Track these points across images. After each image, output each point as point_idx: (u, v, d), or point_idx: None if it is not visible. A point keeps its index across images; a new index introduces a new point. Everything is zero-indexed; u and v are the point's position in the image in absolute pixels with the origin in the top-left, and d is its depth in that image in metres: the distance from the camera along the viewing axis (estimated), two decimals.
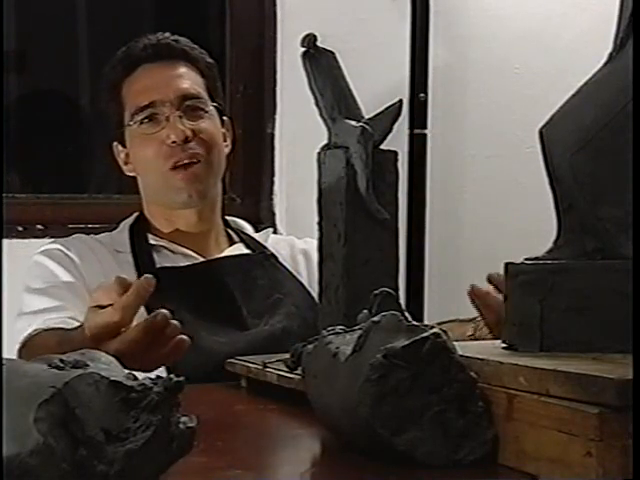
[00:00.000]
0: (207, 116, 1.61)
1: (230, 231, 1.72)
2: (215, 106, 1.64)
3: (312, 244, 1.67)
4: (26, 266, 1.59)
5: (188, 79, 1.61)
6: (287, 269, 1.66)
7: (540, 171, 0.97)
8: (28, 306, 1.50)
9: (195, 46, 1.67)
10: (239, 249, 1.68)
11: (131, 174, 1.66)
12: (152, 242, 1.62)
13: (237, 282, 1.58)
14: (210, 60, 1.68)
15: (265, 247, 1.69)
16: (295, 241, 1.77)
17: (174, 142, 1.55)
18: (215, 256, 1.64)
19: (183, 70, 1.62)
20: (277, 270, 1.65)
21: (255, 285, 1.59)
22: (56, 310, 1.46)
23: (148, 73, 1.60)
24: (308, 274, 1.67)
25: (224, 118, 1.68)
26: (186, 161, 1.56)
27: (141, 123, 1.58)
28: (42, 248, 1.60)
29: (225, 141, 1.67)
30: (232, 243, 1.70)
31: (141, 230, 1.64)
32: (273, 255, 1.67)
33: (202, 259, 1.62)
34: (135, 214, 1.68)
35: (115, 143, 1.66)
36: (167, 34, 1.65)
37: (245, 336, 1.51)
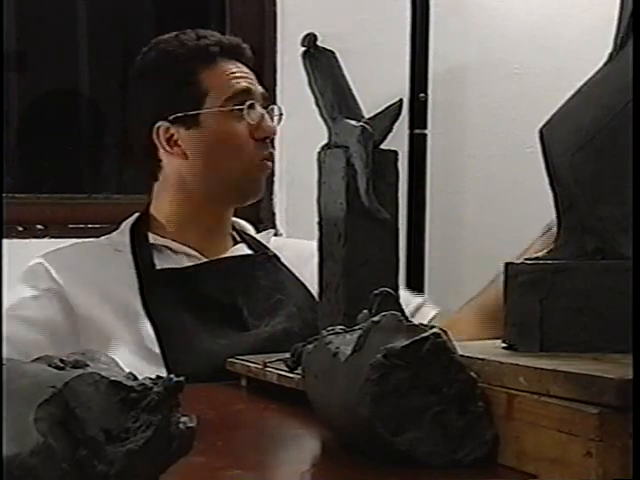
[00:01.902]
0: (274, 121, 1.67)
1: (233, 232, 1.72)
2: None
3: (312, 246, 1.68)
4: (26, 266, 1.59)
5: (258, 81, 1.67)
6: (289, 270, 1.66)
7: (540, 171, 0.97)
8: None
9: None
10: (241, 249, 1.68)
11: (173, 157, 1.62)
12: (153, 241, 1.61)
13: (238, 283, 1.58)
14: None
15: (267, 248, 1.69)
16: (304, 244, 1.76)
17: (266, 137, 1.61)
18: (217, 256, 1.64)
19: (253, 74, 1.66)
20: (279, 271, 1.65)
21: (256, 286, 1.58)
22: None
23: (231, 67, 1.63)
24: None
25: None
26: (268, 158, 1.62)
27: (235, 110, 1.59)
28: (30, 262, 1.59)
29: None
30: (235, 243, 1.70)
31: (142, 229, 1.63)
32: (275, 256, 1.67)
33: (205, 259, 1.62)
34: (136, 214, 1.67)
35: (161, 123, 1.61)
36: (231, 35, 1.70)
37: (245, 337, 1.51)
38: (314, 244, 1.72)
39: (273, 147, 1.65)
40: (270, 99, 1.72)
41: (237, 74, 1.62)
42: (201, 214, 1.63)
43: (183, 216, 1.63)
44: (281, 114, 1.68)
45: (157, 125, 1.61)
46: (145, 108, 1.65)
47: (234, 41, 1.67)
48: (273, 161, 1.65)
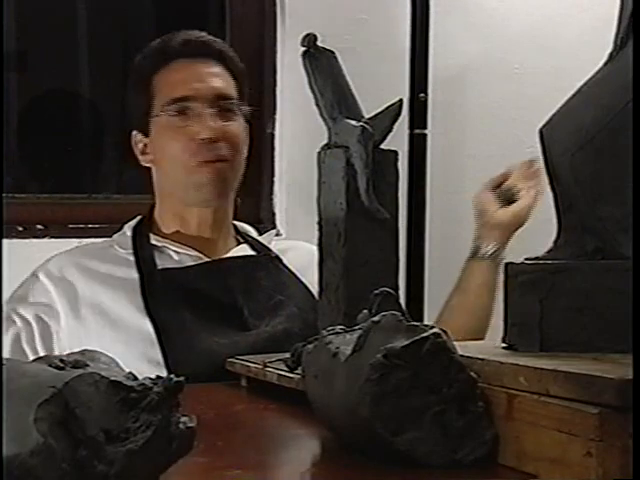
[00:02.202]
0: (237, 119, 1.62)
1: (237, 236, 1.71)
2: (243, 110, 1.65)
3: (310, 248, 1.67)
4: (26, 266, 1.59)
5: (223, 79, 1.62)
6: (291, 271, 1.66)
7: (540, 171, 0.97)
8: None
9: (231, 49, 1.68)
10: (243, 250, 1.68)
11: (147, 165, 1.65)
12: (155, 242, 1.61)
13: (239, 283, 1.57)
14: (242, 65, 1.68)
15: (269, 249, 1.69)
16: (306, 247, 1.76)
17: (203, 139, 1.56)
18: (219, 257, 1.64)
19: (218, 70, 1.62)
20: (280, 272, 1.65)
21: (257, 286, 1.58)
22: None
23: (184, 67, 1.60)
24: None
25: (247, 125, 1.69)
26: (212, 159, 1.57)
27: (172, 115, 1.58)
28: (39, 265, 1.59)
29: (245, 148, 1.68)
30: (237, 244, 1.70)
31: (144, 231, 1.63)
32: (277, 257, 1.67)
33: (206, 259, 1.62)
34: (138, 217, 1.68)
35: (135, 132, 1.65)
36: (203, 33, 1.66)
37: (246, 337, 1.51)
38: (314, 248, 1.73)
39: (229, 147, 1.58)
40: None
41: (182, 77, 1.59)
42: (185, 216, 1.63)
43: (174, 218, 1.64)
44: (236, 113, 1.61)
45: (132, 134, 1.66)
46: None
47: (203, 39, 1.63)
48: (225, 160, 1.58)
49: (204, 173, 1.57)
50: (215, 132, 1.56)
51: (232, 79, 1.63)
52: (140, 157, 1.66)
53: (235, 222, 1.72)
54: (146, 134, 1.63)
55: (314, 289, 1.63)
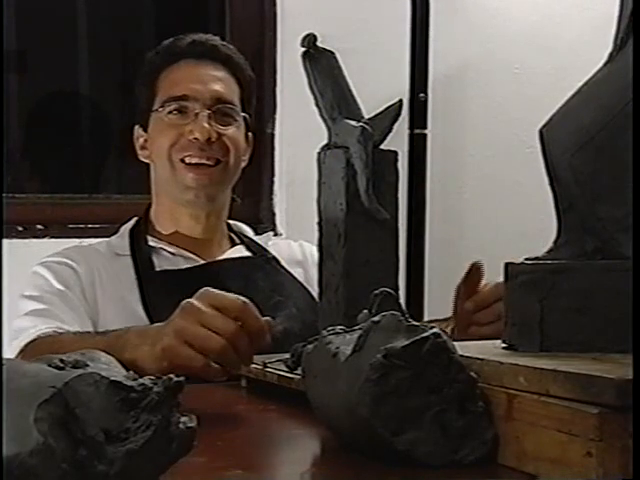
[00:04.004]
0: (235, 124, 1.62)
1: (232, 234, 1.72)
2: (244, 117, 1.64)
3: (310, 249, 1.68)
4: (26, 266, 1.59)
5: (226, 84, 1.62)
6: (288, 271, 1.66)
7: (540, 171, 0.97)
8: (21, 310, 1.50)
9: (241, 56, 1.68)
10: (240, 251, 1.68)
11: (145, 160, 1.67)
12: (152, 244, 1.61)
13: (237, 284, 1.57)
14: (251, 74, 1.69)
15: (266, 250, 1.69)
16: (292, 245, 1.77)
17: (196, 139, 1.56)
18: (214, 258, 1.64)
19: (223, 74, 1.63)
20: (278, 272, 1.65)
21: (256, 287, 1.58)
22: (42, 313, 1.46)
23: (189, 67, 1.62)
24: (306, 279, 1.67)
25: (249, 134, 1.69)
26: (203, 161, 1.57)
27: (169, 113, 1.59)
28: (43, 260, 1.59)
29: (244, 155, 1.68)
30: (233, 245, 1.70)
31: (141, 233, 1.64)
32: (274, 258, 1.67)
33: (202, 261, 1.62)
34: (135, 218, 1.68)
35: (137, 127, 1.67)
36: (216, 37, 1.67)
37: None
38: (305, 246, 1.73)
39: (222, 150, 1.59)
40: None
41: (184, 76, 1.60)
42: (178, 215, 1.64)
43: (168, 217, 1.65)
44: (234, 119, 1.62)
45: (135, 128, 1.68)
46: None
47: (212, 42, 1.64)
48: (216, 163, 1.58)
49: (191, 174, 1.58)
50: (209, 133, 1.56)
51: (236, 85, 1.64)
52: (139, 152, 1.68)
53: (230, 221, 1.72)
54: (146, 129, 1.64)
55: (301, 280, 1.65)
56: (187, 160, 1.57)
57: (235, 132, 1.61)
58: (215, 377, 1.12)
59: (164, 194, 1.64)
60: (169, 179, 1.60)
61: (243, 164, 1.67)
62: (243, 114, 1.64)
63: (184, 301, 1.14)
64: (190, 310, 1.12)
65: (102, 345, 1.15)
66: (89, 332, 1.37)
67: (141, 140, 1.66)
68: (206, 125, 1.56)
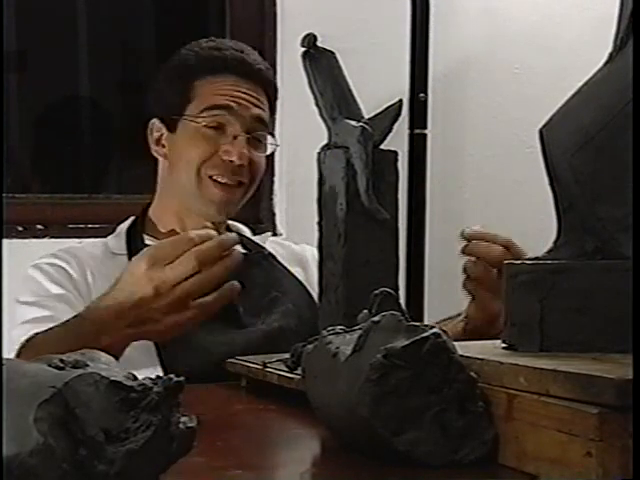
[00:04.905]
0: (263, 147, 1.63)
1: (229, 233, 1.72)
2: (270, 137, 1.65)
3: (311, 251, 1.67)
4: (26, 266, 1.59)
5: (264, 106, 1.62)
6: (285, 268, 1.66)
7: (540, 171, 0.97)
8: (19, 318, 1.50)
9: (274, 78, 1.69)
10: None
11: (158, 155, 1.65)
12: (148, 243, 1.61)
13: (233, 280, 1.57)
14: (277, 96, 1.69)
15: (263, 247, 1.69)
16: (293, 247, 1.77)
17: (231, 161, 1.56)
18: None
19: (263, 98, 1.62)
20: (274, 269, 1.65)
21: (252, 284, 1.58)
22: (46, 320, 1.46)
23: (233, 83, 1.59)
24: (306, 279, 1.67)
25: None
26: (231, 182, 1.57)
27: (207, 126, 1.57)
28: (34, 262, 1.59)
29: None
30: None
31: (138, 232, 1.63)
32: (271, 254, 1.67)
33: None
34: (132, 218, 1.67)
35: (155, 120, 1.64)
36: (256, 53, 1.66)
37: (241, 335, 1.51)
38: (306, 248, 1.73)
39: (250, 174, 1.59)
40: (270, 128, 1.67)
41: (225, 90, 1.59)
42: (183, 219, 1.63)
43: (171, 218, 1.64)
44: (276, 145, 1.65)
45: (151, 121, 1.65)
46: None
47: (240, 57, 1.62)
48: (242, 185, 1.59)
49: (217, 192, 1.58)
50: (245, 159, 1.57)
51: (268, 105, 1.64)
52: (153, 146, 1.65)
53: (229, 222, 1.72)
54: (170, 129, 1.62)
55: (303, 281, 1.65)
56: (216, 178, 1.57)
57: (263, 156, 1.63)
58: (209, 309, 1.17)
59: (175, 197, 1.63)
60: (192, 191, 1.58)
61: None
62: (270, 134, 1.64)
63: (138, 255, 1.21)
64: (148, 255, 1.20)
65: (81, 325, 1.25)
66: (67, 320, 1.35)
67: (157, 134, 1.64)
68: (245, 151, 1.57)
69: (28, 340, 1.36)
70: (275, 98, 1.67)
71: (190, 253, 1.21)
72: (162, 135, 1.64)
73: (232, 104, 1.58)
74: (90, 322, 1.25)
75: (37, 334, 1.36)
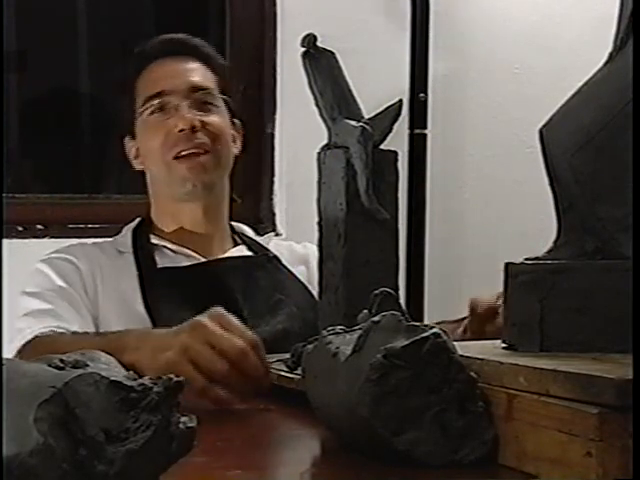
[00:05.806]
0: (216, 110, 1.63)
1: (234, 235, 1.72)
2: (225, 100, 1.65)
3: (312, 249, 1.67)
4: (26, 266, 1.59)
5: (199, 73, 1.63)
6: (289, 270, 1.66)
7: (540, 171, 0.97)
8: (22, 309, 1.50)
9: (208, 45, 1.69)
10: (241, 251, 1.68)
11: (140, 168, 1.67)
12: (154, 242, 1.62)
13: (238, 283, 1.58)
14: (222, 61, 1.70)
15: (267, 249, 1.69)
16: (294, 247, 1.77)
17: (181, 130, 1.56)
18: (216, 257, 1.64)
19: (194, 65, 1.63)
20: (279, 271, 1.65)
21: (256, 286, 1.58)
22: (46, 314, 1.46)
23: (160, 66, 1.62)
24: (308, 280, 1.67)
25: (235, 120, 1.69)
26: (192, 151, 1.57)
27: (151, 113, 1.59)
28: (43, 257, 1.60)
29: (234, 142, 1.68)
30: (235, 245, 1.70)
31: (144, 232, 1.64)
32: (275, 257, 1.67)
33: (204, 259, 1.62)
34: (138, 219, 1.68)
35: (127, 138, 1.68)
36: (181, 34, 1.68)
37: None
38: (308, 246, 1.73)
39: (209, 137, 1.58)
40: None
41: (157, 75, 1.61)
42: (177, 213, 1.64)
43: (168, 217, 1.65)
44: (215, 105, 1.62)
45: (125, 140, 1.68)
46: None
47: (177, 38, 1.64)
48: (206, 151, 1.58)
49: (184, 165, 1.57)
50: (192, 122, 1.57)
51: (210, 73, 1.65)
52: (133, 162, 1.69)
53: (232, 223, 1.72)
54: (134, 137, 1.65)
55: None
56: (177, 154, 1.57)
57: (218, 118, 1.62)
58: (217, 402, 1.09)
59: (162, 195, 1.64)
60: (166, 177, 1.60)
61: (235, 151, 1.68)
62: (223, 97, 1.64)
63: (194, 318, 1.13)
64: (199, 328, 1.12)
65: (100, 346, 1.15)
66: (87, 333, 1.37)
67: (133, 150, 1.67)
68: (188, 115, 1.57)
69: (34, 338, 1.37)
70: (221, 70, 1.67)
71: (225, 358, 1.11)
72: (136, 148, 1.66)
73: (164, 84, 1.59)
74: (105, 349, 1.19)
75: (47, 335, 1.36)
